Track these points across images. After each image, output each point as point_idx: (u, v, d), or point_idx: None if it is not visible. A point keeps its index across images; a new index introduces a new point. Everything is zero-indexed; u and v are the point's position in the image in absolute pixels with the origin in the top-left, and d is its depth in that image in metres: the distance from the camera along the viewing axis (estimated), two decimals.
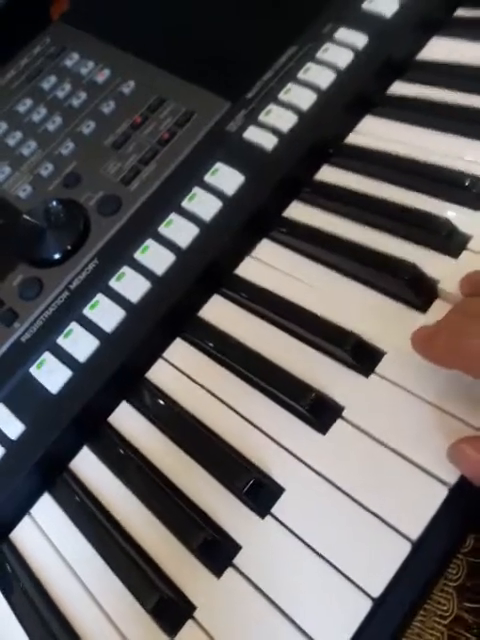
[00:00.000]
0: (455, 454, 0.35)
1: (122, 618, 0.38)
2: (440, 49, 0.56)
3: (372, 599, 0.34)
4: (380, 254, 0.45)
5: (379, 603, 0.34)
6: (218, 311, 0.48)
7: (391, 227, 0.47)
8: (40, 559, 0.43)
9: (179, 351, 0.47)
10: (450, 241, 0.44)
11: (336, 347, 0.41)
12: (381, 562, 0.34)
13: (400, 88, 0.55)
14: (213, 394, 0.44)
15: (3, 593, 0.42)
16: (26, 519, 0.44)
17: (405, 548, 0.34)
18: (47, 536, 0.43)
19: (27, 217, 0.51)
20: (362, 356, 0.41)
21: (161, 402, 0.45)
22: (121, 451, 0.44)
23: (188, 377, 0.46)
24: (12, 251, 0.51)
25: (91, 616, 0.39)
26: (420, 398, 0.39)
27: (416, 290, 0.42)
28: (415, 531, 0.34)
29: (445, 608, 0.43)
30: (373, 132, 0.53)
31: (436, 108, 0.52)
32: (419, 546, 0.34)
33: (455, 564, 0.43)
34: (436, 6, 0.56)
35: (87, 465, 0.45)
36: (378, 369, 0.40)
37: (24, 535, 0.44)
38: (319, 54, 0.54)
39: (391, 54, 0.54)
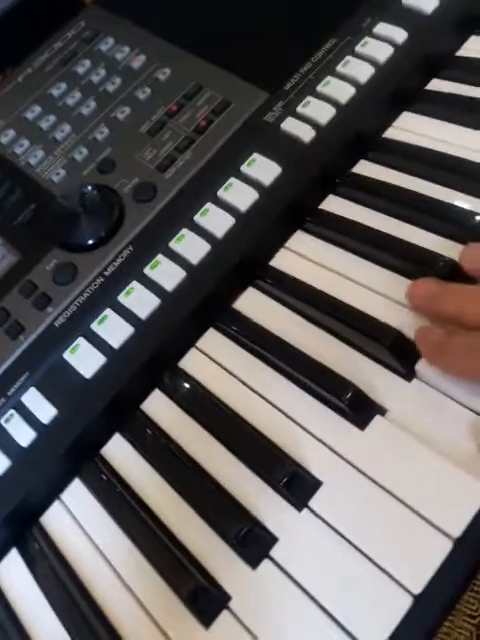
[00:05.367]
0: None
1: (155, 606, 0.38)
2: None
3: (413, 596, 0.33)
4: (419, 248, 0.45)
5: (418, 600, 0.34)
6: (252, 302, 0.48)
7: (427, 223, 0.46)
8: (71, 544, 0.42)
9: (212, 341, 0.47)
10: None
11: (374, 342, 0.41)
12: (422, 559, 0.34)
13: (439, 85, 0.54)
14: (247, 385, 0.44)
15: (34, 577, 0.42)
16: (56, 504, 0.44)
17: (446, 546, 0.34)
18: (78, 521, 0.43)
19: (62, 201, 0.50)
20: (402, 352, 0.40)
21: (194, 391, 0.45)
22: (154, 438, 0.44)
23: (221, 367, 0.46)
24: (46, 235, 0.50)
25: (123, 603, 0.39)
26: (455, 400, 0.38)
27: None
28: (457, 529, 0.34)
29: (474, 608, 0.42)
30: (411, 128, 0.52)
31: (475, 106, 0.51)
32: (460, 543, 0.34)
33: None
34: (475, 3, 0.56)
35: (119, 451, 0.45)
36: (418, 366, 0.40)
37: (54, 520, 0.44)
38: (358, 48, 0.54)
39: (430, 50, 0.54)
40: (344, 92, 0.52)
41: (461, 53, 0.55)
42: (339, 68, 0.53)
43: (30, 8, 0.64)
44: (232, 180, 0.50)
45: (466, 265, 0.41)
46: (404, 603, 0.33)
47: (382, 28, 0.54)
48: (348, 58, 0.53)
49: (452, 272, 0.42)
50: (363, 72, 0.52)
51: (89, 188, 0.50)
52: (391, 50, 0.53)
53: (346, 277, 0.46)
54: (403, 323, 0.42)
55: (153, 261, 0.48)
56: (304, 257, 0.49)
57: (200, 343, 0.47)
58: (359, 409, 0.40)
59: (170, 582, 0.38)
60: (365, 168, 0.51)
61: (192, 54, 0.58)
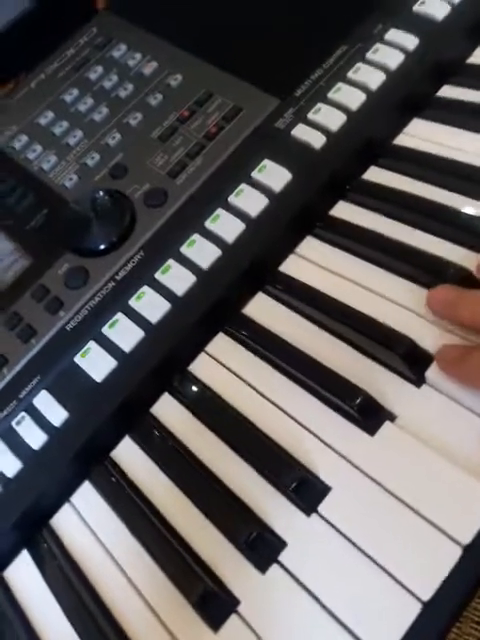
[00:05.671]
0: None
1: (164, 609, 0.38)
2: None
3: (422, 603, 0.33)
4: (429, 255, 0.45)
5: (427, 607, 0.34)
6: (262, 308, 0.48)
7: (438, 230, 0.46)
8: (80, 546, 0.43)
9: (222, 346, 0.47)
10: None
11: (387, 349, 0.41)
12: (431, 566, 0.34)
13: (450, 91, 0.54)
14: (257, 390, 0.44)
15: (44, 578, 0.42)
16: (66, 506, 0.45)
17: (456, 553, 0.34)
18: (88, 524, 0.43)
19: (74, 206, 0.51)
20: (414, 359, 0.40)
21: (204, 395, 0.45)
22: (163, 442, 0.44)
23: (231, 371, 0.46)
24: (58, 240, 0.51)
25: (132, 606, 0.39)
26: (464, 406, 0.38)
27: None
28: (467, 536, 0.34)
29: None
30: (422, 135, 0.52)
31: None
32: (469, 551, 0.34)
33: None
34: None
35: (129, 455, 0.45)
36: (428, 373, 0.40)
37: (64, 522, 0.44)
38: (369, 54, 0.54)
39: (441, 57, 0.54)
40: (355, 99, 0.52)
41: (472, 60, 0.55)
42: (350, 75, 0.53)
43: (43, 15, 0.64)
44: (243, 186, 0.50)
45: None
46: (413, 609, 0.33)
47: (393, 35, 0.54)
48: (359, 65, 0.54)
49: (462, 280, 0.42)
50: (374, 79, 0.52)
51: (101, 193, 0.51)
52: (402, 57, 0.53)
53: (355, 283, 0.46)
54: (413, 330, 0.42)
55: (164, 266, 0.48)
56: (314, 263, 0.49)
57: (210, 348, 0.48)
58: (368, 415, 0.40)
59: (179, 586, 0.38)
60: (376, 175, 0.52)
61: (203, 60, 0.58)
